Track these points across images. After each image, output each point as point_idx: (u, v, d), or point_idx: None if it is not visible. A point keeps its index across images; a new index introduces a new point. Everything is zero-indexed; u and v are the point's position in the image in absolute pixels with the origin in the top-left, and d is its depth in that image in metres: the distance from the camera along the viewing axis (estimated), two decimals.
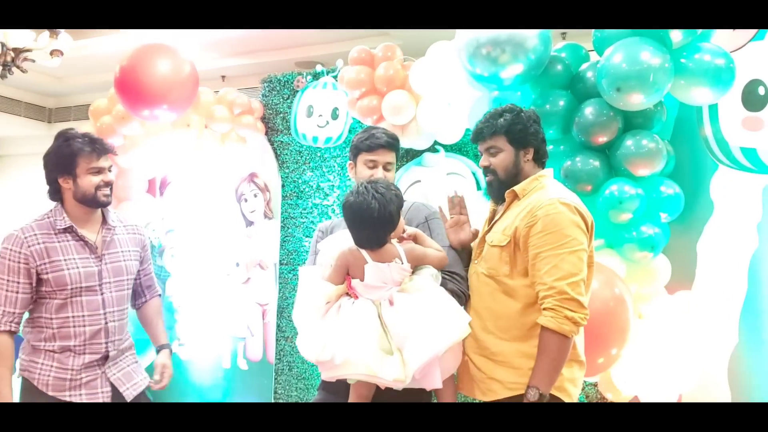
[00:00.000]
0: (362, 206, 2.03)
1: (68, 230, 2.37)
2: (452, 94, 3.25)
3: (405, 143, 3.55)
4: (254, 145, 4.41)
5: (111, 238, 2.45)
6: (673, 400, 2.88)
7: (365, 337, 1.98)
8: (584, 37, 3.34)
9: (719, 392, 2.96)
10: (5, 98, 6.51)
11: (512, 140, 2.15)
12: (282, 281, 4.33)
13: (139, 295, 2.67)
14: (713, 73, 2.67)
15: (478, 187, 3.64)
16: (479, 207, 3.50)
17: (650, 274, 2.94)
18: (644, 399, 2.89)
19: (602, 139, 2.83)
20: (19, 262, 2.29)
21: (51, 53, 3.90)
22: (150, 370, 2.54)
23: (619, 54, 2.67)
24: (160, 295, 2.75)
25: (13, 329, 2.30)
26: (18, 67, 3.82)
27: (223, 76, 5.65)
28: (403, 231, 2.15)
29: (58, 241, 2.34)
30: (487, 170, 2.22)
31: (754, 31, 2.85)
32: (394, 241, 2.12)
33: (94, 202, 2.38)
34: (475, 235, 2.29)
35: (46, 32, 3.90)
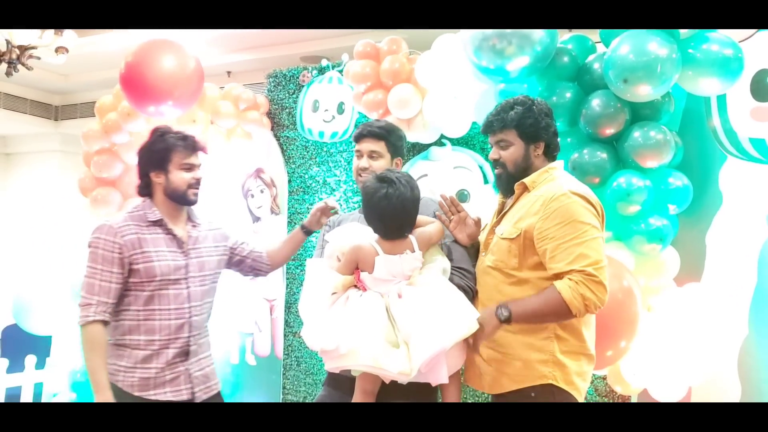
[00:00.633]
0: (403, 197, 2.05)
1: (158, 223, 2.40)
2: (458, 87, 3.23)
3: (411, 137, 3.54)
4: (260, 141, 4.40)
5: (196, 234, 2.49)
6: (683, 393, 2.87)
7: (372, 328, 1.97)
8: (591, 29, 3.32)
9: (729, 385, 2.95)
10: (11, 96, 6.53)
11: (522, 134, 2.13)
12: (289, 277, 4.33)
13: (260, 262, 2.70)
14: (721, 64, 2.65)
15: (485, 181, 3.62)
16: (486, 200, 3.50)
17: (659, 267, 2.93)
18: (653, 392, 2.88)
19: (610, 131, 2.81)
20: (113, 252, 2.30)
21: (56, 50, 3.90)
22: None
23: (626, 45, 2.65)
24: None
25: (106, 319, 2.30)
26: (23, 64, 3.82)
27: (229, 72, 5.64)
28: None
29: (149, 233, 2.37)
30: (496, 163, 2.21)
31: None
32: None
33: (183, 199, 2.43)
34: (479, 224, 2.27)
35: (50, 29, 3.90)
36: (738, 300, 2.96)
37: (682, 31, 2.67)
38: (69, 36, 4.00)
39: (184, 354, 2.39)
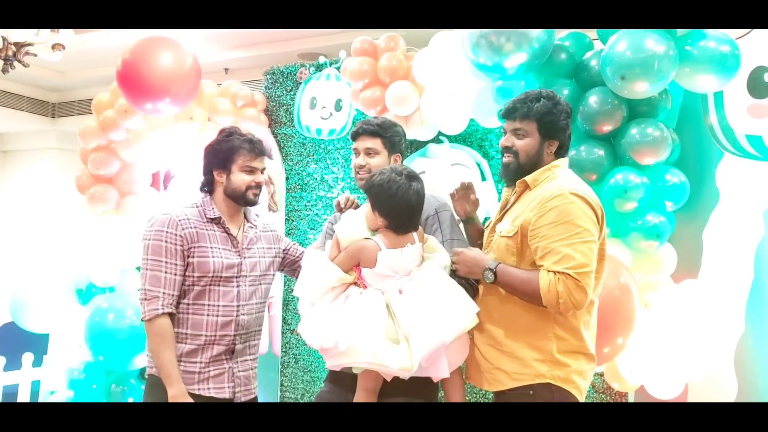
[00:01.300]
0: (419, 192, 2.10)
1: (216, 221, 2.42)
2: (456, 84, 3.24)
3: (409, 134, 3.54)
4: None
5: (252, 234, 2.50)
6: (680, 389, 2.87)
7: (372, 326, 1.98)
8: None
9: (726, 381, 2.96)
10: (8, 93, 6.51)
11: (542, 128, 2.11)
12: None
13: None
14: (718, 61, 2.65)
15: (483, 178, 3.62)
16: (484, 197, 3.50)
17: (656, 263, 2.93)
18: (650, 388, 2.88)
19: (607, 128, 2.82)
20: (176, 244, 2.32)
21: (53, 47, 3.88)
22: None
23: (624, 42, 2.65)
24: None
25: (173, 311, 2.31)
26: (20, 61, 3.81)
27: (226, 69, 5.63)
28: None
29: (206, 229, 2.39)
30: (507, 151, 2.17)
31: None
32: None
33: (242, 200, 2.43)
34: (476, 204, 2.34)
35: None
36: (735, 296, 2.97)
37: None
38: (65, 33, 3.99)
39: (230, 352, 2.39)
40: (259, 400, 2.55)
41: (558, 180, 2.08)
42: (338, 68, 3.97)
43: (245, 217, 2.54)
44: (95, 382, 4.02)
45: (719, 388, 2.96)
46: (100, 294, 4.16)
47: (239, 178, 2.41)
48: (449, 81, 3.25)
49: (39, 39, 3.81)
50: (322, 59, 4.13)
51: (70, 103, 6.84)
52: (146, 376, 2.41)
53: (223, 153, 2.42)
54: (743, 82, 2.80)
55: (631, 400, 3.17)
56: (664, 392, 2.86)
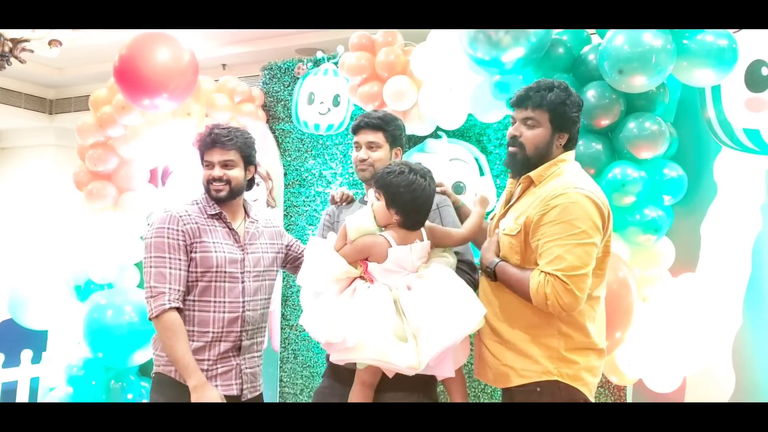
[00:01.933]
0: (430, 189, 2.11)
1: (217, 216, 2.43)
2: (454, 79, 3.23)
3: (407, 129, 3.53)
4: (255, 134, 4.37)
5: (253, 230, 2.51)
6: (678, 383, 2.88)
7: (380, 322, 1.97)
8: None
9: (723, 375, 2.96)
10: (5, 90, 6.51)
11: (553, 119, 2.05)
12: None
13: None
14: (716, 54, 2.65)
15: (481, 173, 3.62)
16: (482, 192, 3.50)
17: (654, 257, 2.94)
18: (648, 382, 2.89)
19: (605, 122, 2.82)
20: (178, 239, 2.33)
21: (49, 43, 3.87)
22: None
23: (621, 36, 2.65)
24: None
25: (181, 306, 2.30)
26: (16, 57, 3.79)
27: (224, 65, 5.63)
28: None
29: (207, 225, 2.40)
30: (514, 141, 2.10)
31: None
32: None
33: (209, 195, 2.44)
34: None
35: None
36: (732, 290, 2.98)
37: None
38: (62, 29, 3.97)
39: (237, 349, 2.39)
40: None
41: (563, 176, 2.03)
42: (336, 63, 3.97)
43: (245, 212, 2.54)
44: (94, 378, 4.02)
45: (717, 381, 2.96)
46: (99, 290, 4.16)
47: (203, 174, 2.44)
48: (447, 76, 3.25)
49: (35, 35, 3.80)
50: (319, 54, 4.12)
51: (68, 100, 6.84)
52: (152, 375, 2.41)
53: (198, 150, 2.46)
54: (741, 76, 2.79)
55: (629, 393, 3.18)
56: (663, 386, 2.87)
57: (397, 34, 3.60)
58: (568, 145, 2.11)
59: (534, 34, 2.75)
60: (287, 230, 4.28)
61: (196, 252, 2.34)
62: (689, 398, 2.99)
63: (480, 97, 3.16)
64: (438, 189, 2.29)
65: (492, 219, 2.28)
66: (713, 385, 2.97)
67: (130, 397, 4.08)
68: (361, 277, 2.10)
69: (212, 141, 2.40)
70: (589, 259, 1.92)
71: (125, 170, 4.26)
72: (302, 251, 2.65)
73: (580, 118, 2.11)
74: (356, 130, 2.40)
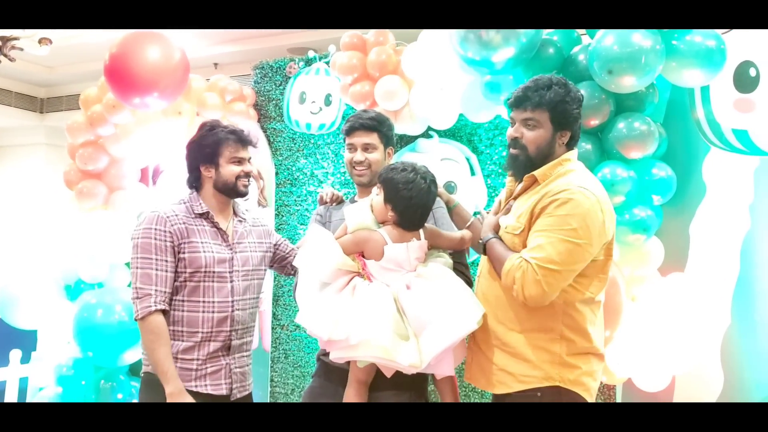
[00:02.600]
0: (435, 197, 2.14)
1: (204, 216, 2.41)
2: (445, 78, 3.24)
3: (398, 129, 3.53)
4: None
5: (241, 229, 2.49)
6: (667, 382, 2.89)
7: (382, 320, 1.96)
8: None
9: (712, 374, 2.98)
10: None
11: (554, 118, 1.99)
12: None
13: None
14: (705, 55, 2.66)
15: (472, 173, 3.63)
16: (473, 192, 3.51)
17: (643, 257, 2.95)
18: (638, 381, 2.90)
19: (594, 122, 2.83)
20: (165, 240, 2.31)
21: (39, 41, 3.85)
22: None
23: (611, 37, 2.66)
24: None
25: (166, 308, 2.29)
26: (5, 55, 3.78)
27: (215, 63, 5.62)
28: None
29: (195, 225, 2.38)
30: (515, 142, 2.05)
31: None
32: None
33: (233, 191, 2.43)
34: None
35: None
36: (721, 290, 2.99)
37: None
38: None
39: (226, 348, 2.38)
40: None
41: (569, 176, 1.99)
42: (327, 63, 3.97)
43: (234, 211, 2.52)
44: (84, 378, 4.01)
45: (705, 380, 2.98)
46: (89, 290, 4.14)
47: (228, 170, 2.40)
48: (438, 75, 3.25)
49: (25, 33, 3.79)
50: (311, 54, 4.12)
51: (58, 99, 6.81)
52: (141, 375, 2.40)
53: (209, 147, 2.40)
54: (729, 77, 2.81)
55: (618, 392, 3.19)
56: (652, 385, 2.88)
57: (389, 34, 3.60)
58: (571, 143, 2.07)
59: (524, 34, 2.75)
60: (278, 230, 4.28)
61: (184, 252, 2.32)
62: (678, 397, 3.01)
63: (471, 97, 3.17)
64: None
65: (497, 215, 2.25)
66: (702, 384, 2.99)
67: (120, 397, 4.07)
68: (360, 275, 2.10)
69: (243, 139, 2.43)
70: (569, 258, 1.88)
71: (116, 169, 4.25)
72: (290, 251, 2.65)
73: (581, 113, 2.06)
74: (350, 131, 2.38)
